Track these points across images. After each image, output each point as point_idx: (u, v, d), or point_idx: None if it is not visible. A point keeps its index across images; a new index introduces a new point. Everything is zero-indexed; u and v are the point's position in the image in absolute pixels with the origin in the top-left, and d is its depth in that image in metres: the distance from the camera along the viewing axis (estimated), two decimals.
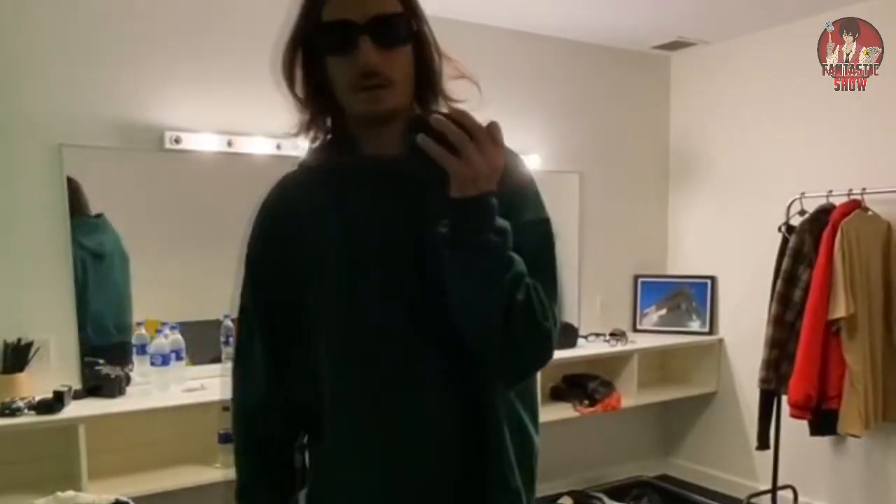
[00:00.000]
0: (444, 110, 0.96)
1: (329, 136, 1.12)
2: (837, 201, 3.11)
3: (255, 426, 1.16)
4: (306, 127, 1.10)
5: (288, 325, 1.10)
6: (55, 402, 2.39)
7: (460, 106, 0.99)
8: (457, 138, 0.88)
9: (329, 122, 1.11)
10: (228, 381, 1.20)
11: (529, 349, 0.98)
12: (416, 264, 1.00)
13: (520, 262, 0.95)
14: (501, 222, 0.93)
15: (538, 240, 1.03)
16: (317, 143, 1.12)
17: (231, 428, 1.22)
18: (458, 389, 1.02)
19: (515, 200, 1.00)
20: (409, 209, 1.02)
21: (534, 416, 1.11)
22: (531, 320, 0.95)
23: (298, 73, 1.07)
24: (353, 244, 1.03)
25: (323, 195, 1.08)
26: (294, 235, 1.08)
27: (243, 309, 1.16)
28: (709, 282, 3.94)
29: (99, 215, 2.73)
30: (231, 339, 2.81)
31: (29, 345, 2.52)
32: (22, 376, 2.49)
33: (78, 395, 2.53)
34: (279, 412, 1.13)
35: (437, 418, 1.02)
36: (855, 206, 3.05)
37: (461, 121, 0.89)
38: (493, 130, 0.91)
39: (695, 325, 3.98)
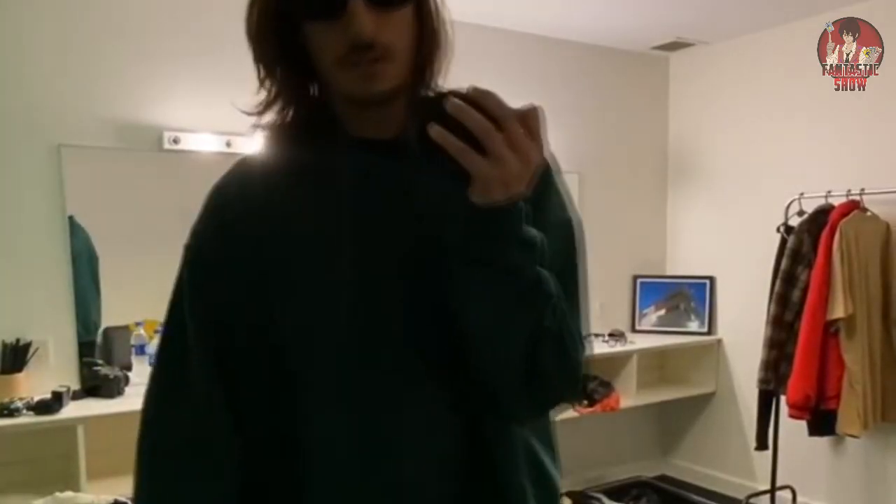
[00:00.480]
0: (459, 91, 0.71)
1: (301, 114, 0.88)
2: (836, 202, 3.11)
3: (201, 480, 0.86)
4: (270, 104, 0.87)
5: (237, 343, 0.86)
6: (54, 402, 2.39)
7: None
8: (482, 129, 0.67)
9: (300, 96, 0.88)
10: None
11: (556, 385, 0.81)
12: (414, 274, 0.81)
13: (549, 282, 0.77)
14: (530, 233, 0.74)
15: (561, 246, 0.83)
16: (283, 121, 0.88)
17: (141, 488, 0.88)
18: (467, 414, 0.83)
19: (533, 196, 0.77)
20: (410, 207, 0.83)
21: (553, 453, 0.92)
22: (561, 352, 0.78)
23: (264, 37, 0.86)
24: (339, 248, 0.83)
25: (298, 188, 0.86)
26: (257, 236, 0.85)
27: (175, 319, 0.89)
28: (708, 282, 3.94)
29: (69, 218, 2.69)
30: None
31: (27, 345, 2.52)
32: (20, 376, 2.49)
33: (76, 396, 2.53)
34: (234, 451, 0.86)
35: (442, 442, 0.83)
36: (854, 206, 3.05)
37: (485, 105, 0.68)
38: (528, 118, 0.69)
39: (694, 326, 3.98)
